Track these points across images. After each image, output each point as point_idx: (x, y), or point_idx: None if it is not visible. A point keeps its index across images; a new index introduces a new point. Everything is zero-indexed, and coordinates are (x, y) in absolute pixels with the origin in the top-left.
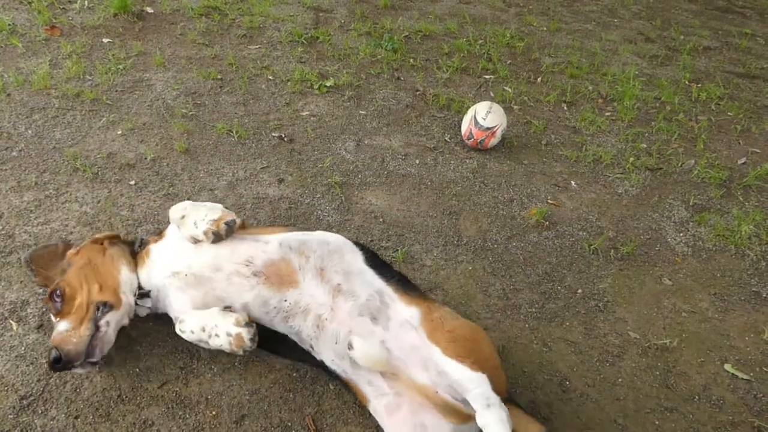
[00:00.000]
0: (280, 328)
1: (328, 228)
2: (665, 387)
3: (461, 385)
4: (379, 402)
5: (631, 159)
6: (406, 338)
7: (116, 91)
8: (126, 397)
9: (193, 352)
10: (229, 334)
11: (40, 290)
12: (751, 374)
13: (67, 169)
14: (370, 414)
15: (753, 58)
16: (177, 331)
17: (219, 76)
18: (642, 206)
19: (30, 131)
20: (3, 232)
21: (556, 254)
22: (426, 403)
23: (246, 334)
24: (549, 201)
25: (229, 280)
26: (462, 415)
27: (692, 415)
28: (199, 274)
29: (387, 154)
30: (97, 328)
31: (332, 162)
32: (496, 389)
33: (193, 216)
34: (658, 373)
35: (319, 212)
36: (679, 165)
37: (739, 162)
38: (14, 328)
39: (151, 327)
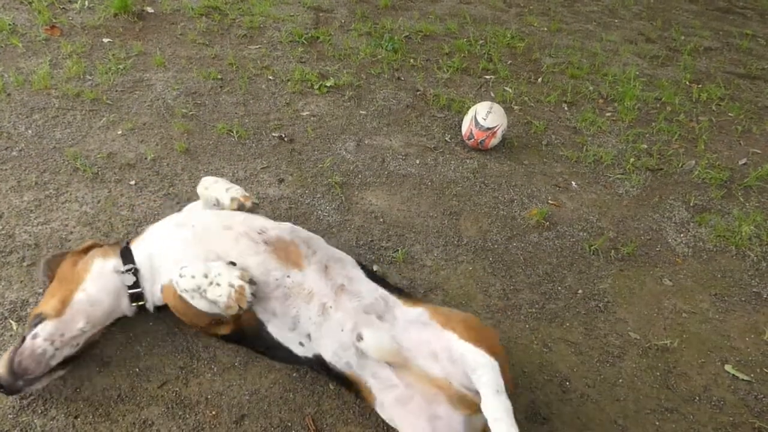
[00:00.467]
0: (276, 306)
1: (329, 228)
2: (666, 388)
3: (475, 369)
4: (388, 395)
5: (632, 159)
6: (415, 333)
7: (116, 91)
8: (126, 396)
9: (193, 352)
10: (231, 285)
11: (40, 290)
12: (752, 375)
13: (68, 169)
14: (370, 413)
15: (754, 59)
16: (175, 278)
17: (219, 76)
18: (642, 207)
19: (30, 131)
20: (3, 232)
21: (557, 255)
22: (438, 394)
23: (248, 288)
24: (549, 201)
25: (237, 240)
26: (474, 406)
27: (693, 416)
28: (207, 228)
29: (387, 154)
30: (21, 342)
31: (332, 162)
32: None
33: (225, 185)
34: (658, 373)
35: (319, 212)
36: (680, 166)
37: (740, 163)
38: (14, 327)
39: (151, 327)
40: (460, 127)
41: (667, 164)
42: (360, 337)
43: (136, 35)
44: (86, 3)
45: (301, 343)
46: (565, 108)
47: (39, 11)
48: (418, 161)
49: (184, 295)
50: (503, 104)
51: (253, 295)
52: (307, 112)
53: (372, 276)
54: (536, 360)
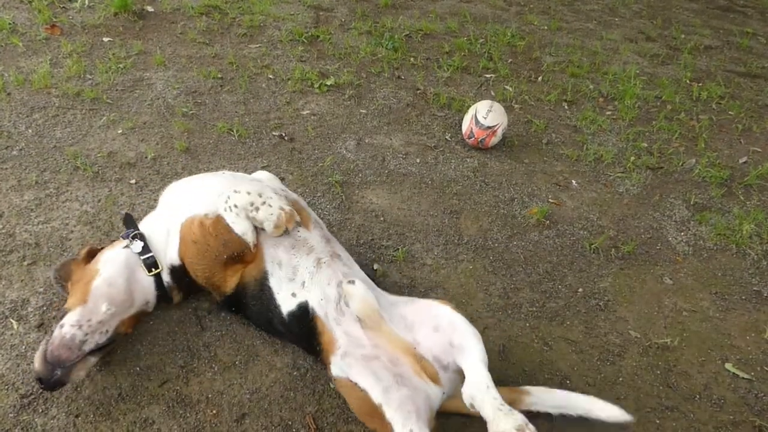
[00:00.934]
0: (282, 255)
1: (329, 227)
2: (666, 386)
3: (466, 337)
4: (355, 352)
5: (632, 158)
6: (397, 310)
7: (117, 90)
8: (126, 395)
9: (194, 351)
10: (281, 208)
11: (41, 289)
12: (752, 373)
13: (68, 168)
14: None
15: (754, 57)
16: (229, 193)
17: (219, 75)
18: (643, 205)
19: (30, 130)
20: (3, 231)
21: (557, 253)
22: (403, 358)
23: (295, 214)
24: (550, 200)
25: (263, 187)
26: (435, 377)
27: (693, 415)
28: (235, 176)
29: (387, 153)
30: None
31: (333, 161)
32: None
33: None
34: (658, 372)
35: (320, 211)
36: (680, 164)
37: (740, 161)
38: (15, 326)
39: (151, 326)
40: (461, 125)
41: (667, 163)
42: (352, 282)
43: (137, 34)
44: (86, 2)
45: (293, 294)
46: (566, 107)
47: (39, 10)
48: (418, 160)
49: (228, 215)
50: (503, 103)
51: (297, 223)
52: (308, 111)
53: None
54: (537, 358)
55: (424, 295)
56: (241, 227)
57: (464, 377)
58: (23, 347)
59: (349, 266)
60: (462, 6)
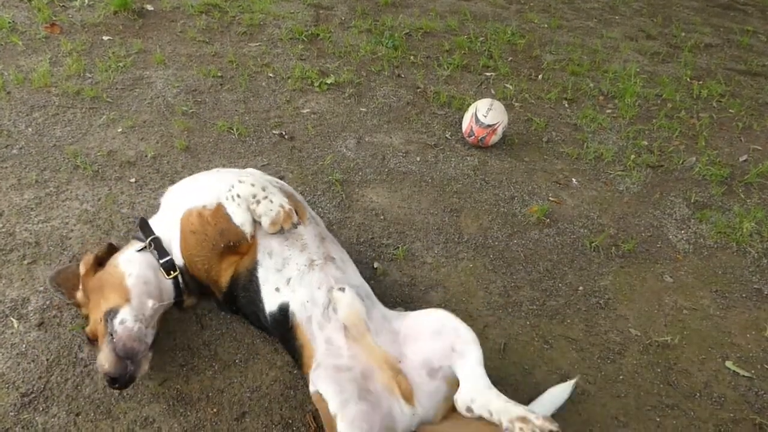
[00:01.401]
0: (275, 245)
1: (329, 225)
2: (666, 384)
3: (467, 342)
4: (328, 362)
5: (633, 156)
6: (389, 324)
7: (116, 88)
8: (127, 394)
9: (194, 349)
10: (282, 206)
11: (41, 288)
12: (753, 371)
13: (68, 167)
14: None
15: (754, 56)
16: (233, 182)
17: (219, 74)
18: (643, 203)
19: (30, 129)
20: (3, 230)
21: (557, 251)
22: (378, 372)
23: (294, 214)
24: (550, 198)
25: (266, 182)
26: (408, 394)
27: (693, 412)
28: (230, 171)
29: (388, 152)
30: (111, 335)
31: (333, 159)
32: None
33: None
34: (659, 370)
35: (320, 210)
36: (681, 162)
37: (741, 159)
38: (15, 325)
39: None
40: (461, 124)
41: (667, 161)
42: (342, 289)
43: (136, 33)
44: (86, 1)
45: (277, 289)
46: (566, 105)
47: (39, 9)
48: (418, 158)
49: (229, 204)
50: (504, 101)
51: (294, 225)
52: (308, 110)
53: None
54: (537, 357)
55: (425, 293)
56: (240, 218)
57: (450, 389)
58: (23, 346)
59: (342, 270)
60: (462, 4)
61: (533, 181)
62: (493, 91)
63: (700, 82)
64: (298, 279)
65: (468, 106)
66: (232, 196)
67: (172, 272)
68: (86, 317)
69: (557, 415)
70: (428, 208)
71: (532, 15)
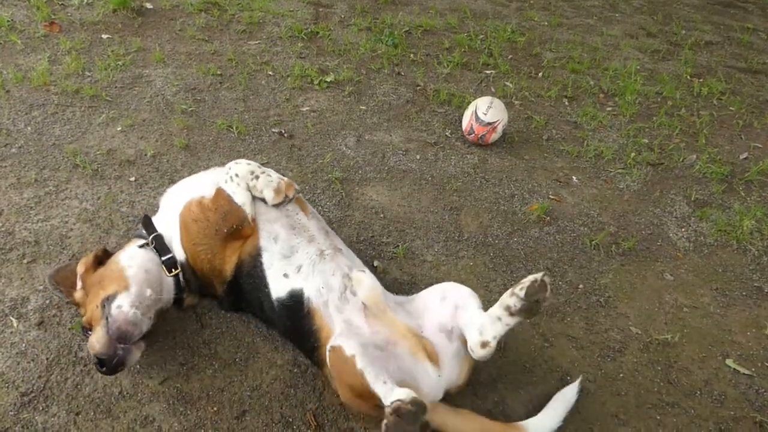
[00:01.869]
0: (280, 231)
1: (329, 223)
2: (666, 382)
3: (465, 301)
4: (353, 340)
5: (633, 154)
6: (400, 307)
7: (116, 87)
8: (127, 393)
9: (194, 348)
10: (281, 178)
11: (41, 287)
12: (753, 369)
13: (67, 166)
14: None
15: (755, 53)
16: (228, 165)
17: (219, 72)
18: (643, 201)
19: (29, 128)
20: (3, 229)
21: (558, 249)
22: (401, 341)
23: (295, 184)
24: (550, 196)
25: (262, 168)
26: (433, 356)
27: (694, 411)
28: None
29: (387, 150)
30: (107, 319)
31: (332, 158)
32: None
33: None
34: (659, 368)
35: (320, 208)
36: (681, 160)
37: (741, 157)
38: (15, 324)
39: (154, 325)
40: (461, 122)
41: (668, 159)
42: (363, 271)
43: (135, 31)
44: None
45: (285, 275)
46: (566, 103)
47: (38, 7)
48: (418, 156)
49: (228, 185)
50: (504, 99)
51: (297, 191)
52: (307, 108)
53: None
54: (537, 355)
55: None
56: (241, 197)
57: (465, 347)
58: (23, 345)
59: (351, 260)
60: (462, 2)
61: (533, 179)
62: (493, 89)
63: (701, 80)
64: (310, 267)
65: (468, 104)
66: (231, 177)
67: (173, 270)
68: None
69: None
70: (428, 206)
71: (532, 13)
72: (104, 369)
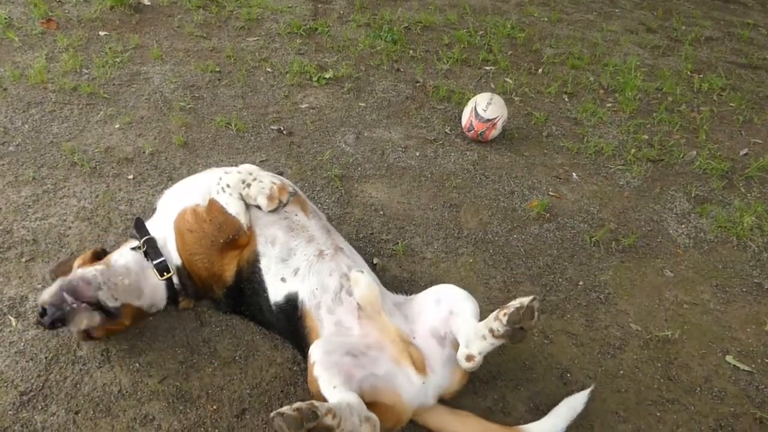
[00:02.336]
0: (278, 234)
1: (329, 221)
2: (667, 379)
3: (460, 307)
4: (330, 340)
5: (633, 150)
6: (397, 310)
7: (113, 84)
8: (126, 392)
9: (194, 346)
10: (273, 183)
11: (39, 286)
12: (753, 366)
13: (65, 164)
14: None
15: (755, 49)
16: (220, 174)
17: (217, 69)
18: (643, 198)
19: (27, 126)
20: (1, 228)
21: (557, 246)
22: (389, 345)
23: (289, 187)
24: (550, 193)
25: (253, 168)
26: (421, 367)
27: (694, 407)
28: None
29: (387, 147)
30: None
31: (332, 155)
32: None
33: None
34: (659, 364)
35: (319, 205)
36: (681, 156)
37: (741, 153)
38: (13, 323)
39: (151, 322)
40: (460, 118)
41: (668, 155)
42: (361, 271)
43: (133, 28)
44: None
45: (283, 279)
46: (566, 99)
47: (35, 4)
48: (417, 153)
49: (221, 196)
50: (503, 95)
51: (291, 194)
52: (306, 105)
53: None
54: (537, 352)
55: (425, 289)
56: (234, 207)
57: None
58: (22, 344)
59: (353, 259)
60: None
61: (533, 175)
62: (492, 85)
63: (701, 76)
64: (307, 268)
65: (467, 101)
66: (222, 188)
67: (165, 273)
68: None
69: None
70: (428, 203)
71: (532, 8)
72: (43, 319)
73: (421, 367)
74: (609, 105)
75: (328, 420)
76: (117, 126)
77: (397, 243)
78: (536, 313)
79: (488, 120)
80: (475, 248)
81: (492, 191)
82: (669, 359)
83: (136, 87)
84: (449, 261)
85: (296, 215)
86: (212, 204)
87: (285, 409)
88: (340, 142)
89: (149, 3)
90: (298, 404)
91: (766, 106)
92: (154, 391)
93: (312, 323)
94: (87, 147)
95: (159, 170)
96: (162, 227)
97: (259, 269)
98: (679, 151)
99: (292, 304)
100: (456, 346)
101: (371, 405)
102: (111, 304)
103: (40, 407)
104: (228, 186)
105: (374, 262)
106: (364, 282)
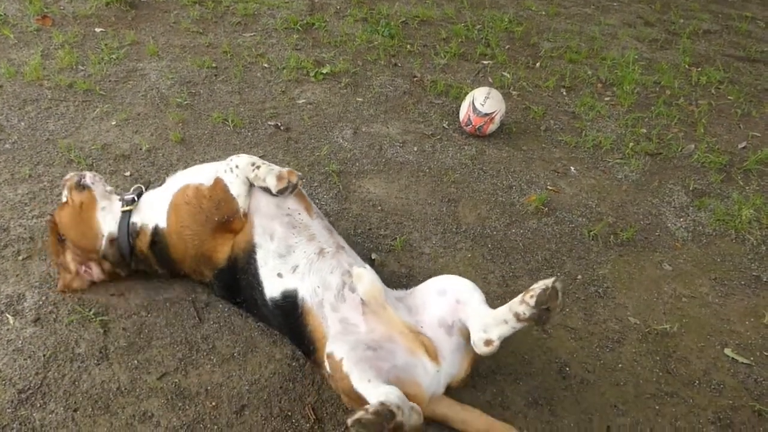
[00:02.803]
0: (278, 229)
1: (326, 217)
2: (665, 372)
3: (467, 296)
4: (343, 344)
5: (631, 144)
6: (399, 303)
7: (110, 81)
8: (125, 389)
9: (192, 343)
10: (282, 168)
11: (37, 283)
12: (752, 358)
13: (62, 161)
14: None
15: (753, 42)
16: (229, 159)
17: (214, 65)
18: (642, 192)
19: (23, 123)
20: None
21: (556, 240)
22: (399, 337)
23: (297, 172)
24: (548, 187)
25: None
26: (433, 353)
27: (692, 400)
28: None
29: (385, 142)
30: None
31: (329, 150)
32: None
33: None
34: (658, 358)
35: (317, 201)
36: (679, 150)
37: (740, 146)
38: (11, 321)
39: (149, 319)
40: (458, 113)
41: (666, 148)
42: (363, 267)
43: (129, 24)
44: None
45: (279, 274)
46: (564, 93)
47: (30, 1)
48: (415, 148)
49: (228, 175)
50: (501, 89)
51: (300, 177)
52: (303, 100)
53: None
54: (535, 346)
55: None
56: (237, 188)
57: (467, 341)
58: (20, 342)
59: (353, 258)
60: None
61: (531, 170)
62: (490, 80)
63: (699, 69)
64: (306, 267)
65: (465, 95)
66: (231, 168)
67: (127, 207)
68: None
69: (555, 403)
70: (426, 198)
71: (530, 2)
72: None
73: (434, 355)
74: (607, 99)
75: (399, 416)
76: (113, 123)
77: (396, 238)
78: (560, 294)
79: (486, 114)
80: (474, 243)
81: (490, 186)
82: (668, 352)
83: (132, 83)
84: (448, 256)
85: (299, 214)
86: (217, 182)
87: (360, 414)
88: (338, 138)
89: None
90: (369, 407)
91: (764, 99)
92: (152, 388)
93: (314, 321)
94: (83, 144)
95: (156, 167)
96: (161, 196)
97: (255, 261)
98: (678, 145)
99: (290, 301)
100: (464, 334)
101: None
102: (100, 188)
103: (38, 405)
104: (237, 167)
105: (372, 258)
106: (368, 277)
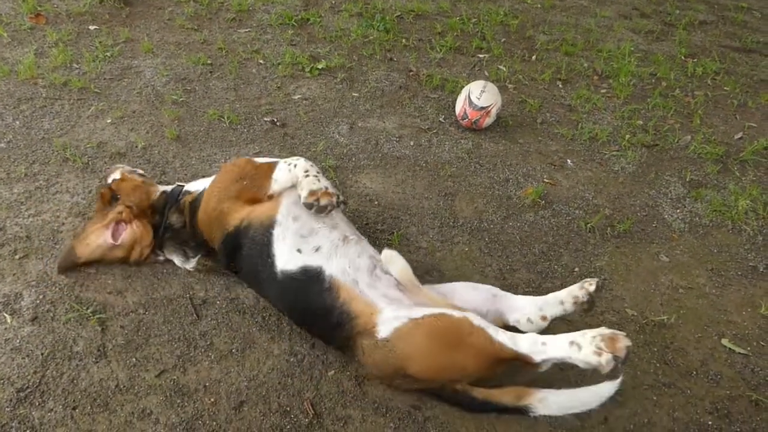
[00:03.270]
0: (303, 214)
1: None
2: (663, 363)
3: (498, 290)
4: (402, 307)
5: (627, 136)
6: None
7: (104, 79)
8: (124, 386)
9: (191, 340)
10: (326, 187)
11: (34, 282)
12: (749, 349)
13: (57, 160)
14: (365, 397)
15: (749, 32)
16: (295, 157)
17: (209, 61)
18: (638, 183)
19: (18, 122)
20: None
21: (553, 233)
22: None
23: (334, 198)
24: (545, 180)
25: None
26: None
27: (690, 391)
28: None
29: (381, 137)
30: None
31: (326, 145)
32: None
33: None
34: (655, 349)
35: None
36: (676, 141)
37: (736, 137)
38: (8, 320)
39: (147, 316)
40: (454, 107)
41: (662, 140)
42: (391, 249)
43: (123, 21)
44: None
45: (299, 250)
46: (560, 85)
47: None
48: (412, 143)
49: (282, 165)
50: (497, 83)
51: (332, 205)
52: (299, 96)
53: None
54: None
55: (421, 278)
56: (281, 175)
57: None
58: (18, 341)
59: (373, 250)
60: None
61: (528, 162)
62: (486, 73)
63: (695, 60)
64: (332, 249)
65: (461, 89)
66: (290, 164)
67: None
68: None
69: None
70: (423, 192)
71: None
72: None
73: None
74: (603, 91)
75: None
76: (109, 120)
77: (393, 233)
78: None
79: (482, 108)
80: (471, 237)
81: (487, 179)
82: (665, 343)
83: (127, 81)
84: (445, 250)
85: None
86: (272, 164)
87: (624, 341)
88: (334, 133)
89: None
90: (616, 334)
91: (760, 90)
92: (151, 386)
93: (349, 294)
94: (79, 142)
95: (152, 164)
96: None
97: (271, 234)
98: (674, 136)
99: (311, 275)
100: (496, 321)
101: None
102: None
103: (37, 403)
104: (294, 166)
105: None
106: (399, 259)
